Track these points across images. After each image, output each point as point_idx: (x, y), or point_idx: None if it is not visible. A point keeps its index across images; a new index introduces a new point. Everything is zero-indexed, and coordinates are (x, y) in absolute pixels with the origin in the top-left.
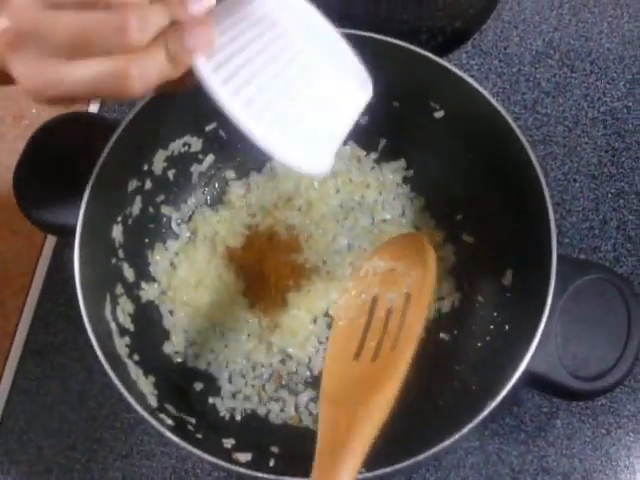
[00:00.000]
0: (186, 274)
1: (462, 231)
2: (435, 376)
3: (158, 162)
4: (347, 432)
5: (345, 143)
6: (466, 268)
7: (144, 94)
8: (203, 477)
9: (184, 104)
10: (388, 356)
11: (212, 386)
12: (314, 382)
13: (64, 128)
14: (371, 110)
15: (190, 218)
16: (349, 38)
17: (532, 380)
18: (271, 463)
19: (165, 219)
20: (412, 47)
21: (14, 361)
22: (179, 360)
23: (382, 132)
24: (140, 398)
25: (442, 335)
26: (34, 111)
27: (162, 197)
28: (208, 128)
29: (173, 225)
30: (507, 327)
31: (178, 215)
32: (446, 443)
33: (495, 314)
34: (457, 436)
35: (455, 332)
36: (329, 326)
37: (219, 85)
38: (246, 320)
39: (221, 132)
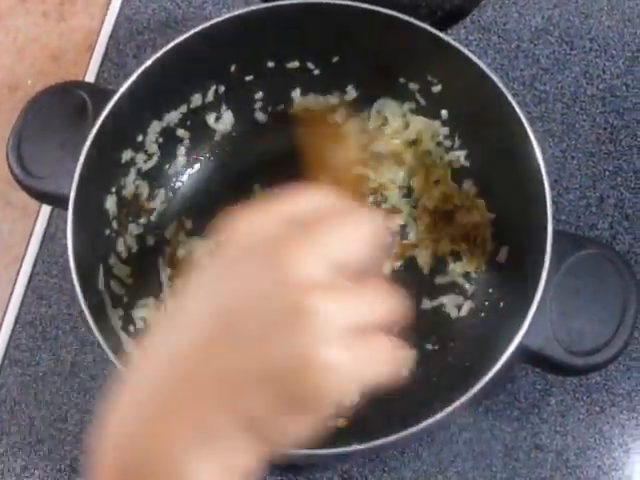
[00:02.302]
0: None
1: None
2: (429, 353)
3: (152, 134)
4: None
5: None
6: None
7: None
8: None
9: (180, 74)
10: None
11: None
12: None
13: (59, 97)
14: (367, 83)
15: None
16: (348, 10)
17: (526, 355)
18: None
19: None
20: (410, 19)
21: (6, 332)
22: None
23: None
24: None
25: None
26: (29, 82)
27: None
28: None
29: None
30: (502, 304)
31: None
32: (439, 416)
33: (490, 290)
34: (450, 409)
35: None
36: None
37: None
38: None
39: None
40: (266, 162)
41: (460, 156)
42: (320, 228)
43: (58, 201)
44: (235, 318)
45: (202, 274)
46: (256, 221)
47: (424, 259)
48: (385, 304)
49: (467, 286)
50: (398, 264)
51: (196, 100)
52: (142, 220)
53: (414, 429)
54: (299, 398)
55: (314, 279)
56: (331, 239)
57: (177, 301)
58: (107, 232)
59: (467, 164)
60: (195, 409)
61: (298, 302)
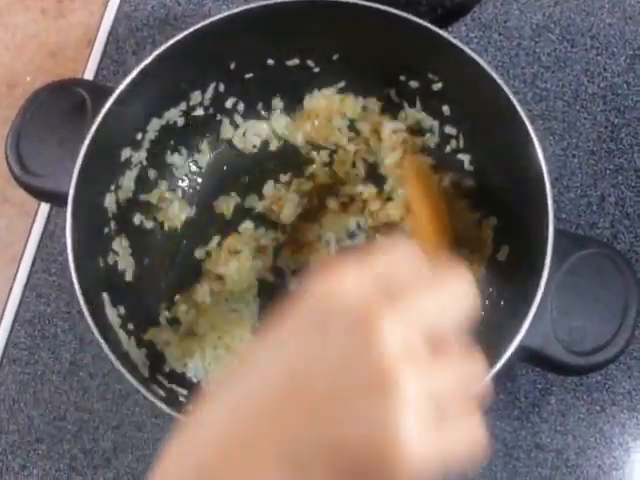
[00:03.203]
0: None
1: None
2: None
3: (152, 132)
4: None
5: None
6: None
7: None
8: None
9: (179, 71)
10: None
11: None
12: None
13: (58, 95)
14: (367, 81)
15: None
16: (348, 8)
17: (527, 355)
18: None
19: None
20: (411, 17)
21: (5, 330)
22: None
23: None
24: (132, 368)
25: None
26: (28, 79)
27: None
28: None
29: None
30: (502, 302)
31: None
32: None
33: (490, 289)
34: None
35: None
36: None
37: None
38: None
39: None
40: (267, 160)
41: (464, 160)
42: (413, 292)
43: (57, 199)
44: (311, 382)
45: (282, 330)
46: (344, 280)
47: None
48: (473, 374)
49: None
50: None
51: (196, 98)
52: None
53: None
54: (369, 476)
55: (404, 348)
56: (426, 305)
57: (252, 352)
58: (106, 230)
59: (471, 168)
60: (252, 476)
61: (386, 373)
